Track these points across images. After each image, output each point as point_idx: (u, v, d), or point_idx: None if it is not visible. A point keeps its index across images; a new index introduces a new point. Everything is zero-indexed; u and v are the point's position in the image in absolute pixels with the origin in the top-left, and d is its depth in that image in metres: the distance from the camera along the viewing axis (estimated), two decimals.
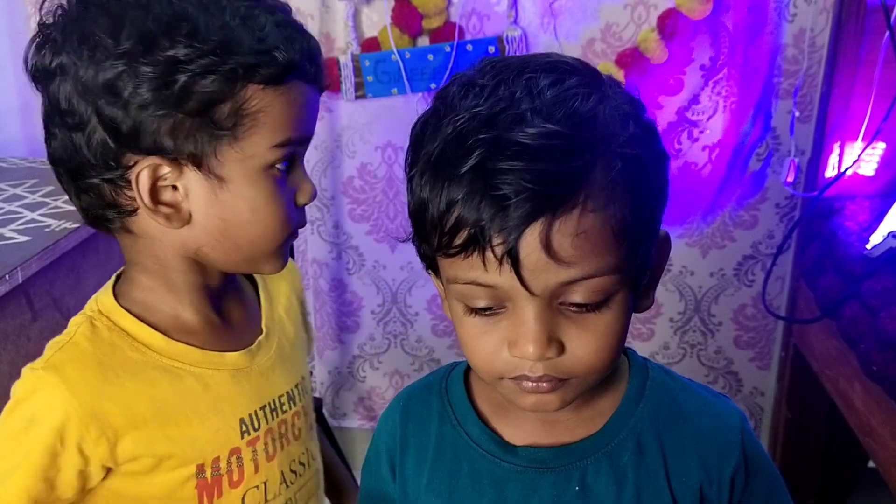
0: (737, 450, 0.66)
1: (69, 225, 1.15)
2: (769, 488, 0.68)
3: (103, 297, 0.77)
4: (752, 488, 0.67)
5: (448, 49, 1.69)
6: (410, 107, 1.77)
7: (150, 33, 0.66)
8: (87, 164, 0.70)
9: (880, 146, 1.56)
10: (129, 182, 0.70)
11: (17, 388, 0.72)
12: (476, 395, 0.70)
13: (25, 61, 0.72)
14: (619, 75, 1.64)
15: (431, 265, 0.63)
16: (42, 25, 0.71)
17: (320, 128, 1.83)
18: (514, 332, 0.58)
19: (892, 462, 1.20)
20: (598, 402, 0.66)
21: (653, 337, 1.90)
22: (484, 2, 1.69)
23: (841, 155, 1.56)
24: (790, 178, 1.66)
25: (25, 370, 0.72)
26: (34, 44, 0.71)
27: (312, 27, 1.74)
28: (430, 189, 0.57)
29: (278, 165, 0.73)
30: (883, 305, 1.24)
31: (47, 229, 1.14)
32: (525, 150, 0.54)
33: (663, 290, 1.85)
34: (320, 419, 1.73)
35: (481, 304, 0.59)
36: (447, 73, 1.70)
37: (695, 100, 1.70)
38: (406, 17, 1.68)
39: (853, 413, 1.34)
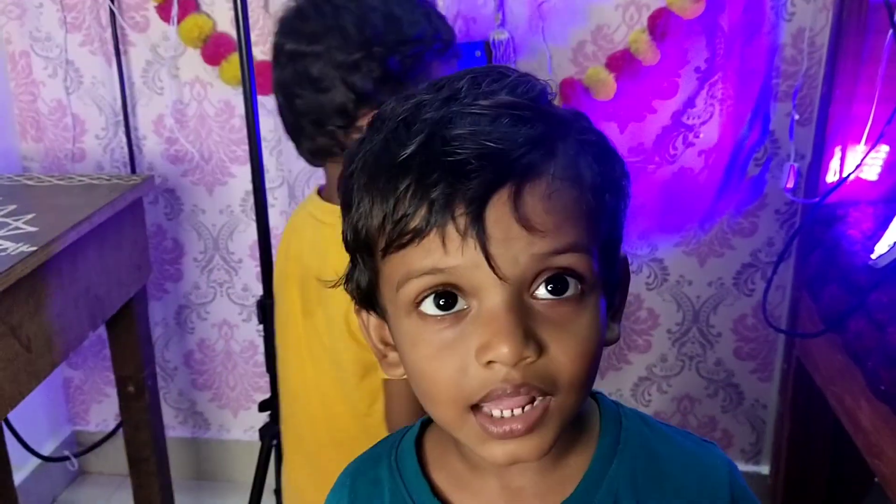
0: None
1: (26, 248, 1.09)
2: None
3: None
4: None
5: None
6: None
7: (378, 27, 0.98)
8: (328, 116, 0.99)
9: (884, 149, 1.49)
10: (358, 128, 0.99)
11: None
12: (431, 466, 0.61)
13: (277, 45, 1.03)
14: (610, 79, 1.57)
15: (369, 298, 0.57)
16: (290, 19, 1.02)
17: None
18: (484, 331, 0.49)
19: None
20: (566, 461, 0.58)
21: (650, 349, 1.84)
22: (470, 4, 1.62)
23: (843, 159, 1.50)
24: (790, 184, 1.59)
25: None
26: (287, 33, 1.01)
27: None
28: (373, 183, 0.51)
29: None
30: (890, 319, 1.18)
31: (3, 253, 1.07)
32: (483, 117, 0.50)
33: (660, 301, 1.79)
34: None
35: (438, 304, 0.51)
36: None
37: (690, 103, 1.63)
38: None
39: (860, 432, 1.27)
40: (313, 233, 1.05)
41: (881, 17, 1.39)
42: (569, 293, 0.51)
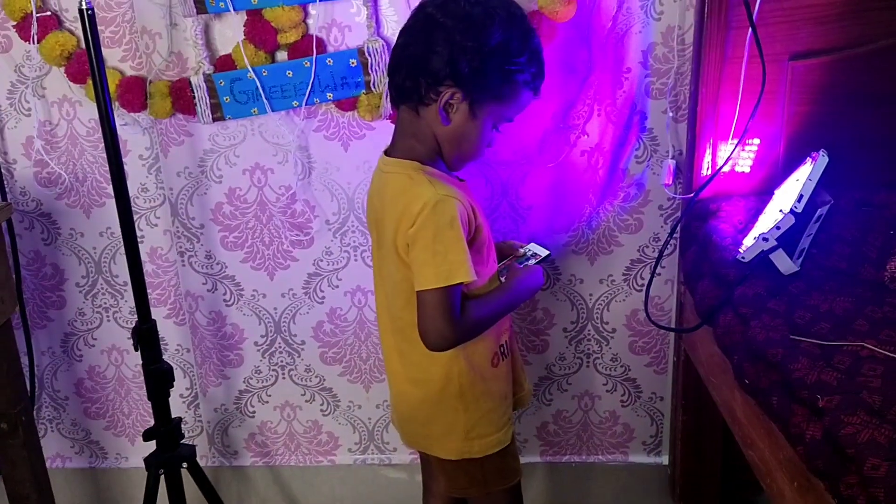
0: None
1: None
2: None
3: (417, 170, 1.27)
4: None
5: (307, 64, 1.59)
6: (276, 126, 1.67)
7: (496, 35, 1.21)
8: (423, 69, 1.22)
9: (755, 142, 1.52)
10: (437, 93, 1.22)
11: (440, 210, 1.21)
12: None
13: (422, 5, 1.26)
14: None
15: None
16: None
17: (182, 153, 1.71)
18: None
19: (772, 477, 1.15)
20: None
21: (548, 348, 1.84)
22: (343, 12, 1.59)
23: (714, 155, 1.52)
24: (668, 181, 1.61)
25: (436, 201, 1.21)
26: (436, 2, 1.24)
27: (161, 47, 1.62)
28: None
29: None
30: (754, 314, 1.20)
31: None
32: None
33: (554, 300, 1.80)
34: (192, 468, 1.62)
35: None
36: (308, 89, 1.61)
37: (569, 104, 1.64)
38: (259, 32, 1.57)
39: (736, 424, 1.30)
40: (379, 182, 1.33)
41: (741, 13, 1.41)
42: None
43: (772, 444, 1.14)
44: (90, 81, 1.61)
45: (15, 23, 1.60)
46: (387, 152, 1.33)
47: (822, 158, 1.33)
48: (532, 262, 1.43)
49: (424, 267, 1.21)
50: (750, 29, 1.41)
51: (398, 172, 1.28)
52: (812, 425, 0.99)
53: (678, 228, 1.62)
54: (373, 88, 1.61)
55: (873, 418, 0.93)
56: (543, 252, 1.46)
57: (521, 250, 1.47)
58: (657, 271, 1.68)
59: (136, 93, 1.61)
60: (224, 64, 1.61)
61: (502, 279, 1.36)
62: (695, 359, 1.55)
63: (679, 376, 1.70)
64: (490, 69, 1.21)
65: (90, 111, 1.67)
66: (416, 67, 1.23)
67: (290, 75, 1.60)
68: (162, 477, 1.55)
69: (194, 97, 1.61)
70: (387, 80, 1.56)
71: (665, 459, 1.90)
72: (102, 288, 1.84)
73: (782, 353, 1.09)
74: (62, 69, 1.62)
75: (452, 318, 1.22)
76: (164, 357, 1.62)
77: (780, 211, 1.29)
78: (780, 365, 1.08)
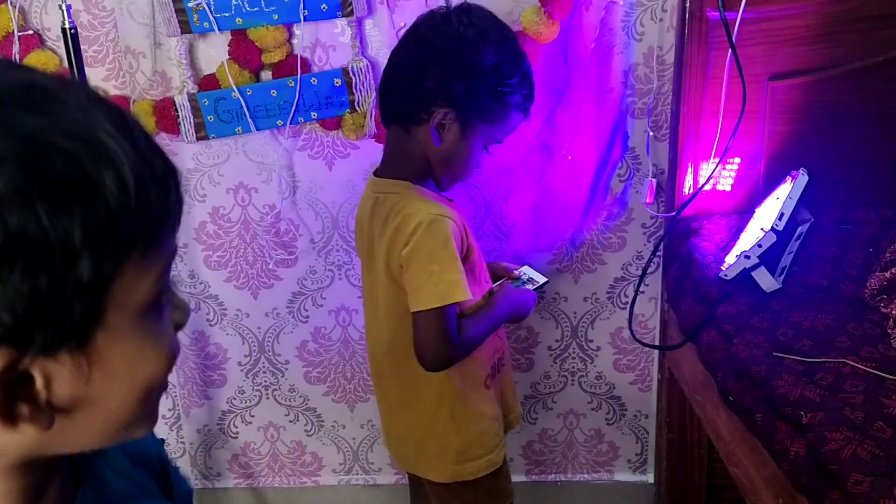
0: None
1: None
2: None
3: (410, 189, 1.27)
4: None
5: (291, 83, 1.59)
6: (260, 146, 1.67)
7: (489, 57, 1.23)
8: (415, 89, 1.22)
9: (736, 161, 1.54)
10: (429, 114, 1.22)
11: (434, 229, 1.19)
12: None
13: (416, 24, 1.27)
14: None
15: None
16: (438, 16, 1.25)
17: None
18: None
19: (757, 495, 1.15)
20: None
21: (533, 367, 1.85)
22: (327, 33, 1.60)
23: (695, 174, 1.54)
24: (649, 200, 1.62)
25: (430, 220, 1.20)
26: (429, 23, 1.25)
27: (145, 66, 1.62)
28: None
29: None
30: (737, 331, 1.21)
31: None
32: None
33: (539, 318, 1.80)
34: None
35: None
36: (293, 108, 1.61)
37: (552, 122, 1.65)
38: (244, 51, 1.58)
39: (721, 441, 1.30)
40: (369, 203, 1.31)
41: (721, 34, 1.43)
42: None
43: (756, 461, 1.14)
44: None
45: None
46: (376, 173, 1.32)
47: (802, 177, 1.35)
48: (529, 287, 1.43)
49: (420, 288, 1.20)
50: (730, 50, 1.42)
51: (390, 192, 1.27)
52: (796, 442, 1.00)
53: (661, 246, 1.63)
54: (357, 108, 1.61)
55: (856, 434, 0.94)
56: (541, 279, 1.45)
57: (517, 272, 1.46)
58: (641, 289, 1.69)
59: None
60: (208, 83, 1.61)
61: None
62: (679, 376, 1.56)
63: (663, 394, 1.71)
64: (482, 90, 1.21)
65: None
66: (409, 87, 1.23)
67: (275, 95, 1.61)
68: None
69: (178, 116, 1.61)
70: (372, 100, 1.58)
71: (650, 477, 1.90)
72: None
73: (765, 369, 1.10)
74: None
75: (450, 337, 1.22)
76: None
77: (762, 229, 1.31)
78: (763, 382, 1.09)
